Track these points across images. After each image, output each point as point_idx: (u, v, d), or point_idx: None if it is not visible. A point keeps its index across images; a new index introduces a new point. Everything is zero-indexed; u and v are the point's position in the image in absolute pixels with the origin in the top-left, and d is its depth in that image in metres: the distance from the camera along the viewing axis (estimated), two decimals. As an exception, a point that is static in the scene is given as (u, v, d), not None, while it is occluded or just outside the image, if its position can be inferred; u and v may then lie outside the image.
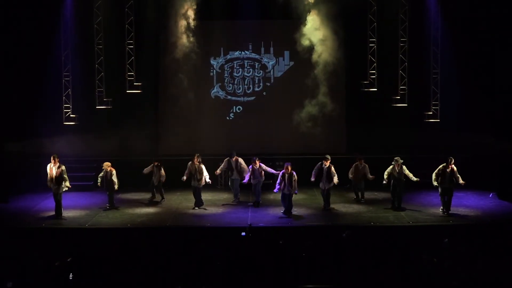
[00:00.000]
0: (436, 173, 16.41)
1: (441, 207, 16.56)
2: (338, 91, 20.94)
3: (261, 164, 17.68)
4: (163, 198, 18.00)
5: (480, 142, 19.92)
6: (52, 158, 16.32)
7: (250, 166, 17.59)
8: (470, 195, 18.44)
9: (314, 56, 20.36)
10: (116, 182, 16.94)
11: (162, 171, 17.87)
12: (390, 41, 20.54)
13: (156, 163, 17.84)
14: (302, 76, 20.66)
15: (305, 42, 20.28)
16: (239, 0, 20.34)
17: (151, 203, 17.81)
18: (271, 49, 21.21)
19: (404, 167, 16.83)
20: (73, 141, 19.75)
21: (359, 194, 17.94)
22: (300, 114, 20.64)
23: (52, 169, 16.25)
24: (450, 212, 16.34)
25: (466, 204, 17.38)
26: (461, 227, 15.10)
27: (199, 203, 17.29)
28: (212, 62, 21.24)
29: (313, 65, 20.42)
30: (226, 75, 21.26)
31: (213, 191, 19.05)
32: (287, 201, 16.39)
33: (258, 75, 21.26)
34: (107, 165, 17.11)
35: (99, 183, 17.25)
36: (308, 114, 20.66)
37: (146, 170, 17.89)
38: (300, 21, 20.29)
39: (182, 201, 18.07)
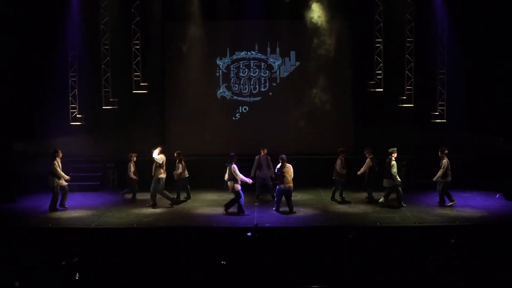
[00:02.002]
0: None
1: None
2: (344, 91, 20.99)
3: (268, 156, 17.69)
4: (178, 196, 17.99)
5: (487, 142, 19.87)
6: (59, 152, 16.79)
7: (257, 156, 17.62)
8: (476, 195, 18.40)
9: (320, 57, 20.39)
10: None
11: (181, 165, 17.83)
12: (397, 41, 20.52)
13: (176, 155, 17.89)
14: (308, 76, 20.69)
15: (311, 43, 20.32)
16: (245, 0, 20.37)
17: (177, 203, 17.79)
18: (277, 49, 21.22)
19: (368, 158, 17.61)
20: (80, 141, 19.82)
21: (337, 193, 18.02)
22: (306, 114, 20.68)
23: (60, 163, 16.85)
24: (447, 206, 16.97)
25: (473, 204, 17.32)
26: (468, 228, 15.04)
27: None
28: (218, 62, 21.26)
29: (319, 65, 20.46)
30: (232, 75, 21.27)
31: (219, 192, 19.08)
32: (280, 198, 16.51)
33: (264, 75, 21.26)
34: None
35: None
36: (314, 115, 20.71)
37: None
38: (306, 21, 20.31)
39: (188, 201, 18.07)
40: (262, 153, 17.97)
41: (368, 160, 17.68)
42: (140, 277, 10.73)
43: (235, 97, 21.30)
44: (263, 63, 21.27)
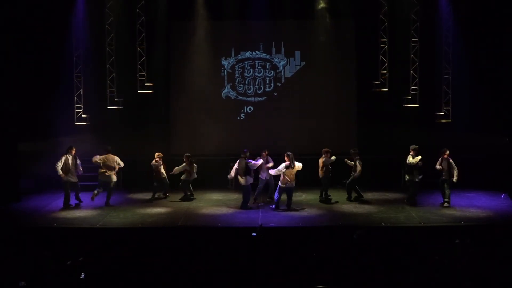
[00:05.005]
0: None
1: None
2: (349, 91, 20.97)
3: (268, 156, 17.62)
4: (191, 194, 18.31)
5: (492, 142, 19.83)
6: (72, 149, 17.27)
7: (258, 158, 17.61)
8: (481, 195, 18.37)
9: (325, 56, 20.40)
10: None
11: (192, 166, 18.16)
12: (402, 41, 20.50)
13: (188, 157, 18.09)
14: (313, 76, 20.72)
15: (316, 43, 20.33)
16: (250, 0, 20.37)
17: (184, 199, 18.08)
18: (282, 49, 21.19)
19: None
20: (85, 141, 19.83)
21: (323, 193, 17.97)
22: (310, 114, 20.68)
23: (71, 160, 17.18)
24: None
25: (478, 204, 17.30)
26: (473, 228, 15.01)
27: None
28: (223, 62, 21.26)
29: (324, 65, 20.47)
30: (237, 75, 21.27)
31: (223, 192, 19.10)
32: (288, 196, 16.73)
33: (269, 75, 21.25)
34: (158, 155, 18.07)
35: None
36: (318, 114, 20.73)
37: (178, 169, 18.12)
38: (311, 21, 20.34)
39: (193, 201, 18.10)
40: (263, 155, 17.81)
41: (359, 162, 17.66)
42: (145, 277, 10.74)
43: (240, 97, 21.30)
44: (268, 63, 21.26)
